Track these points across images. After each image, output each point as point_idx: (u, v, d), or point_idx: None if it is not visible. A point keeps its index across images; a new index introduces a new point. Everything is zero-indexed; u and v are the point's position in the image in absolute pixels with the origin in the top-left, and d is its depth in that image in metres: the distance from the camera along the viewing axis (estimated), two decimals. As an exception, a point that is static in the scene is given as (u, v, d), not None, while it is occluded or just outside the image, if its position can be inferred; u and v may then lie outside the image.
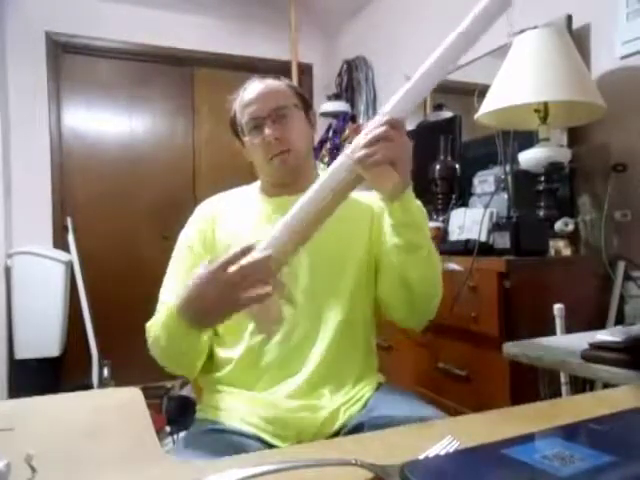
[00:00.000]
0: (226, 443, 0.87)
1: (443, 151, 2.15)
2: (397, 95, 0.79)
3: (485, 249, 1.59)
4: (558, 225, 1.66)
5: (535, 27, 1.69)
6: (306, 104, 1.12)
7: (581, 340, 0.95)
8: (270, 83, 1.08)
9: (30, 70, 3.09)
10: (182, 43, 3.42)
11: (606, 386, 1.08)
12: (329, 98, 3.34)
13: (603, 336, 0.89)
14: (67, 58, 3.24)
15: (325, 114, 3.31)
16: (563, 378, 1.38)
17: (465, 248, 1.61)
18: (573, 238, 1.70)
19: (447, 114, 2.51)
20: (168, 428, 2.32)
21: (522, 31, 1.70)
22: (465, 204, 1.99)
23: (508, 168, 1.81)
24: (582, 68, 1.65)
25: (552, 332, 1.34)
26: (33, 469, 0.47)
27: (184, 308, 0.84)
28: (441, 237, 1.84)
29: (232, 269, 0.76)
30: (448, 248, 1.69)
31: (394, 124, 0.79)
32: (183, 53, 3.44)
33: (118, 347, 3.07)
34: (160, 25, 3.38)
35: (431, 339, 1.76)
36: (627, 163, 1.70)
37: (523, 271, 1.50)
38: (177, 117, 3.54)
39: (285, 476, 0.45)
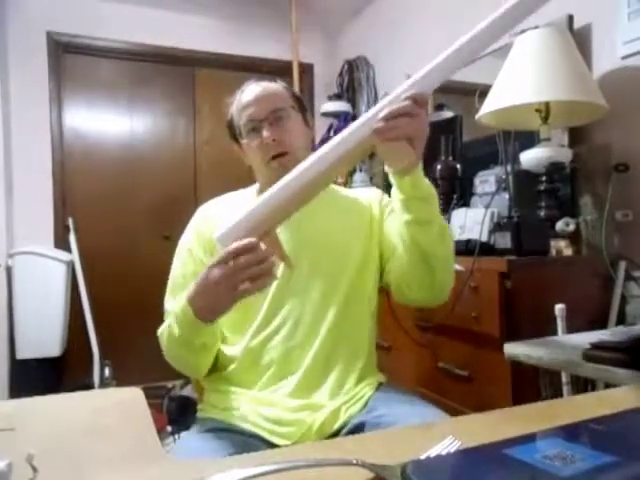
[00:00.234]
0: (227, 443, 0.87)
1: (444, 151, 2.15)
2: (426, 68, 0.76)
3: (486, 249, 1.59)
4: (559, 225, 1.66)
5: (536, 27, 1.69)
6: (303, 106, 1.13)
7: (582, 340, 0.95)
8: (267, 86, 1.09)
9: (31, 70, 3.10)
10: (183, 43, 3.42)
11: (607, 386, 1.08)
12: (330, 98, 3.34)
13: (604, 336, 0.89)
14: (68, 58, 3.24)
15: (326, 114, 3.31)
16: (564, 378, 1.38)
17: (466, 248, 1.61)
18: (574, 238, 1.70)
19: (448, 114, 2.51)
20: (169, 428, 2.33)
21: (523, 31, 1.70)
22: (466, 204, 1.99)
23: (509, 168, 1.81)
24: (583, 68, 1.65)
25: (553, 332, 1.34)
26: (34, 469, 0.47)
27: (192, 302, 0.84)
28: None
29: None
30: (449, 248, 1.69)
31: (418, 100, 0.76)
32: (184, 53, 3.44)
33: (119, 347, 3.08)
34: (161, 25, 3.38)
35: (432, 339, 1.76)
36: (628, 163, 1.70)
37: (524, 271, 1.49)
38: (178, 117, 3.54)
39: (286, 476, 0.45)
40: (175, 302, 0.97)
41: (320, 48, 3.78)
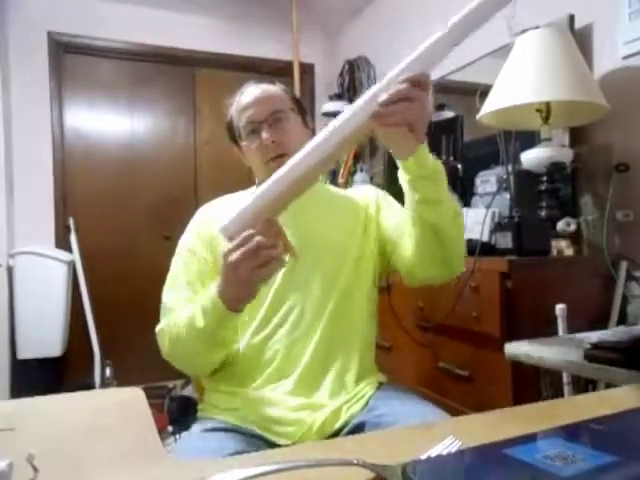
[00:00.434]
0: (228, 442, 0.87)
1: (445, 151, 2.15)
2: (427, 42, 0.70)
3: (487, 249, 1.59)
4: (560, 225, 1.66)
5: (537, 27, 1.69)
6: (302, 108, 1.13)
7: (583, 340, 0.95)
8: (266, 88, 1.09)
9: (32, 70, 3.10)
10: (183, 43, 3.42)
11: (608, 386, 1.08)
12: (331, 98, 3.33)
13: (605, 336, 0.89)
14: (69, 58, 3.24)
15: (327, 114, 3.31)
16: (565, 378, 1.38)
17: (467, 248, 1.61)
18: (575, 238, 1.70)
19: (449, 114, 2.51)
20: (170, 428, 2.33)
21: (524, 31, 1.70)
22: (467, 204, 1.99)
23: (510, 168, 1.80)
24: (584, 68, 1.65)
25: (554, 332, 1.34)
26: (35, 469, 0.47)
27: (223, 293, 0.84)
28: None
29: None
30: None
31: (418, 81, 0.70)
32: (184, 53, 3.45)
33: (120, 347, 3.08)
34: (162, 25, 3.38)
35: (432, 339, 1.76)
36: (629, 163, 1.70)
37: (525, 271, 1.49)
38: (178, 117, 3.54)
39: (287, 476, 0.45)
40: (199, 296, 0.95)
41: (320, 48, 3.78)
